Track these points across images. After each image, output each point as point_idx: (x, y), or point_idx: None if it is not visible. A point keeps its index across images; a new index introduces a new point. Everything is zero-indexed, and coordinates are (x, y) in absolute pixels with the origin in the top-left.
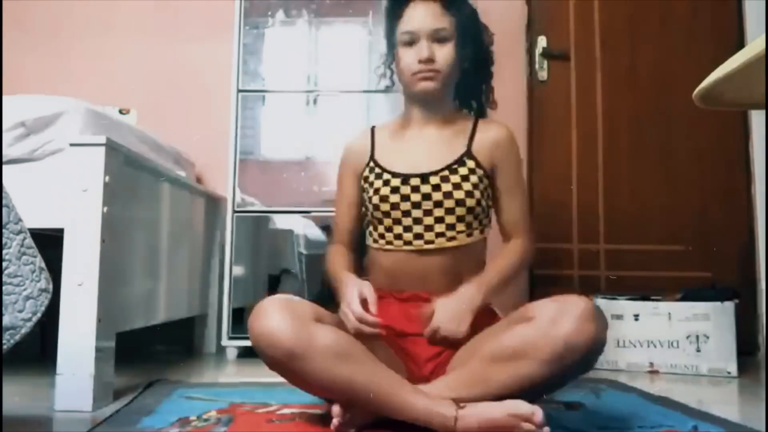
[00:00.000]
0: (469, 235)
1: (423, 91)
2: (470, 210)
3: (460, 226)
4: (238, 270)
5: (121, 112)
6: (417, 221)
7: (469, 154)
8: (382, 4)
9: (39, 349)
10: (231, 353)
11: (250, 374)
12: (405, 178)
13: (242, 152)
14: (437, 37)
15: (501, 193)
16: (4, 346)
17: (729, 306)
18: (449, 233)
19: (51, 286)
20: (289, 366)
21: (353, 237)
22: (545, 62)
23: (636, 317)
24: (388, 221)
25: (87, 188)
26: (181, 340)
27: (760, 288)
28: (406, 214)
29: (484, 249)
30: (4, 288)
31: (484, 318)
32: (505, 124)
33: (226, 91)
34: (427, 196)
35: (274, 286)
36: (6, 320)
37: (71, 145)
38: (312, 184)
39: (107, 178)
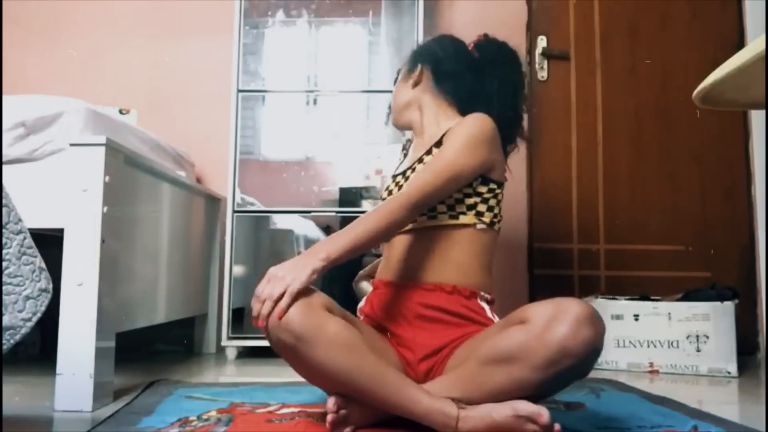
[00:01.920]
0: (453, 217)
1: None
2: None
3: (441, 208)
4: (238, 270)
5: (121, 112)
6: None
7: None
8: (382, 4)
9: (39, 349)
10: (231, 353)
11: (250, 374)
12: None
13: (242, 152)
14: None
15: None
16: (4, 346)
17: (729, 306)
18: (431, 213)
19: (51, 286)
20: (296, 350)
21: None
22: (545, 62)
23: (636, 317)
24: None
25: (87, 188)
26: (181, 340)
27: (760, 288)
28: None
29: (487, 245)
30: (4, 288)
31: (477, 320)
32: None
33: (226, 91)
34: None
35: None
36: (6, 320)
37: (71, 145)
38: (312, 184)
39: (107, 178)
